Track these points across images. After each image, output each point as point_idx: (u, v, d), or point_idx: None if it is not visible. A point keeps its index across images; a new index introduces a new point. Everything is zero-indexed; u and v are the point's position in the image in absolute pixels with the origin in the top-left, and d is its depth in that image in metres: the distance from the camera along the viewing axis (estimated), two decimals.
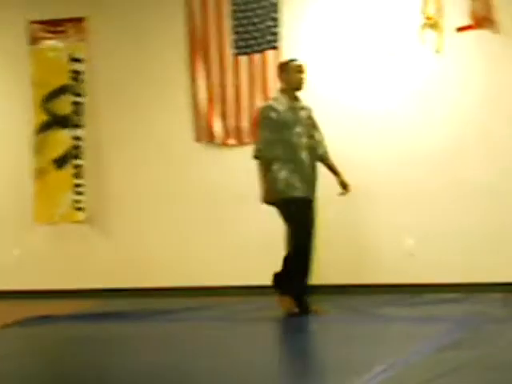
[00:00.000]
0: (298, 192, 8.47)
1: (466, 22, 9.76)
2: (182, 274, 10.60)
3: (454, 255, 9.89)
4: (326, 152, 8.76)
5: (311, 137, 8.65)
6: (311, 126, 8.71)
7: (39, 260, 11.14)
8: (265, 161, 8.48)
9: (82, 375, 6.79)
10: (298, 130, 8.52)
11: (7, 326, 9.00)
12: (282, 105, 8.54)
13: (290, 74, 8.58)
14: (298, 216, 8.46)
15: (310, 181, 8.57)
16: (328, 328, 8.59)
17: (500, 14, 9.68)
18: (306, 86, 8.61)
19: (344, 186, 8.74)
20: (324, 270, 9.61)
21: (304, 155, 8.50)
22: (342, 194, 8.78)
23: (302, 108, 8.68)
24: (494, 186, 9.82)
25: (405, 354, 6.81)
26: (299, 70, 8.55)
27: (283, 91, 8.61)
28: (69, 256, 11.06)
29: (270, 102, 8.71)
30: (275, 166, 8.45)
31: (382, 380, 5.96)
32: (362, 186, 9.73)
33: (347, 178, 9.02)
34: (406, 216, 10.08)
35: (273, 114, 8.48)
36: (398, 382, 5.99)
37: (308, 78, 8.90)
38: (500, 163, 9.83)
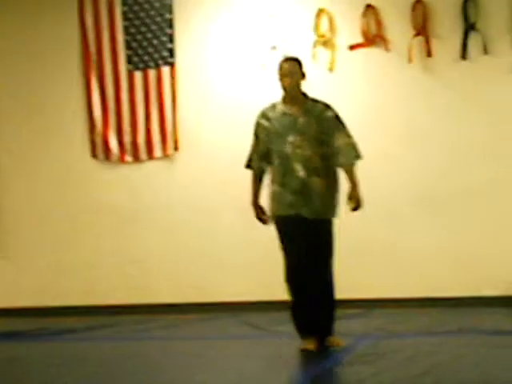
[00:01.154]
0: (284, 210, 7.21)
1: (358, 40, 9.98)
2: (83, 291, 10.48)
3: (355, 273, 9.81)
4: (345, 162, 7.13)
5: (323, 144, 7.13)
6: (321, 132, 7.16)
7: None
8: (252, 172, 7.43)
9: None
10: (292, 139, 7.14)
11: None
12: (274, 111, 7.33)
13: (279, 77, 7.30)
14: (283, 236, 7.24)
15: (305, 197, 7.13)
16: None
17: (391, 31, 9.88)
18: (293, 89, 7.15)
19: (350, 197, 7.13)
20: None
21: (298, 168, 7.10)
22: (350, 207, 7.18)
23: (306, 111, 7.21)
24: (387, 200, 9.85)
25: (304, 372, 6.99)
26: (281, 72, 7.26)
27: (283, 96, 7.35)
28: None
29: (264, 108, 7.46)
30: (270, 179, 7.33)
31: None
32: None
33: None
34: None
35: (263, 122, 7.34)
36: None
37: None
38: (396, 180, 9.89)
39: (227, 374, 6.94)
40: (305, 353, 7.66)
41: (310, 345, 7.23)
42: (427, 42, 9.76)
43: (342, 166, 7.17)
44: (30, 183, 10.78)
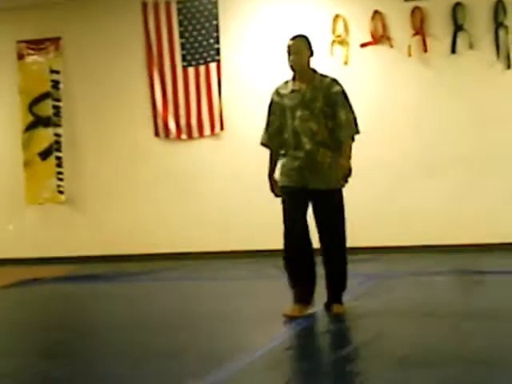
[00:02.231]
0: (291, 182, 6.22)
1: (368, 39, 9.94)
2: (146, 242, 10.58)
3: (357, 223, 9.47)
4: (345, 135, 6.17)
5: (329, 117, 6.17)
6: (328, 106, 6.17)
7: (29, 233, 11.07)
8: (268, 148, 6.42)
9: (65, 322, 7.05)
10: (299, 113, 6.15)
11: (5, 286, 9.03)
12: (286, 88, 6.32)
13: (287, 55, 6.31)
14: (285, 207, 6.30)
15: (312, 169, 6.17)
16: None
17: (394, 32, 9.83)
18: (299, 66, 6.16)
19: (340, 165, 6.13)
20: None
21: (305, 141, 6.13)
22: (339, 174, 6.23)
23: (314, 87, 6.21)
24: (391, 168, 9.87)
25: (323, 304, 6.74)
26: (288, 50, 6.25)
27: (293, 73, 6.36)
28: (53, 230, 11.04)
29: (277, 85, 6.50)
30: (282, 152, 6.29)
31: (310, 323, 6.22)
32: None
33: None
34: None
35: (276, 98, 6.33)
36: (319, 325, 6.24)
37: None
38: (397, 144, 9.86)
39: (257, 303, 7.10)
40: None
41: (294, 312, 6.17)
42: (423, 40, 9.71)
43: (342, 139, 6.17)
44: (106, 157, 10.82)
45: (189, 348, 5.57)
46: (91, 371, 5.18)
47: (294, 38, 6.33)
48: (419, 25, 9.74)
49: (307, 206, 6.25)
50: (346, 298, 6.84)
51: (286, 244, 6.27)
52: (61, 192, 10.94)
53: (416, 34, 9.76)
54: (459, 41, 9.67)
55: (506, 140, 9.60)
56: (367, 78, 10.04)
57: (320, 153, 6.13)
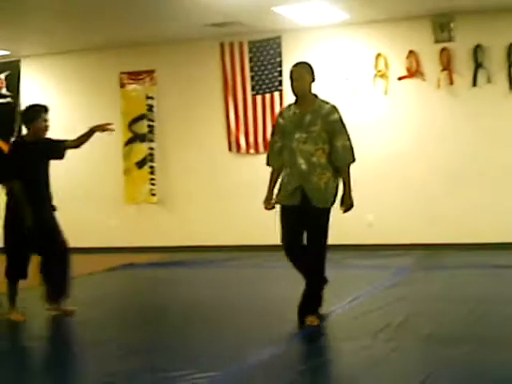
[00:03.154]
0: (286, 199, 5.64)
1: (404, 73, 9.93)
2: (224, 235, 10.67)
3: (397, 222, 9.94)
4: (341, 162, 5.61)
5: (326, 142, 5.56)
6: (326, 131, 5.56)
7: (127, 227, 11.17)
8: (271, 167, 5.86)
9: (160, 302, 7.18)
10: (298, 135, 5.54)
11: (108, 270, 9.26)
12: (289, 111, 5.71)
13: (290, 81, 5.76)
14: (281, 224, 5.71)
15: (307, 188, 5.56)
16: None
17: (426, 68, 9.82)
18: (301, 91, 5.60)
19: (342, 201, 5.66)
20: None
21: (301, 162, 5.53)
22: (341, 209, 5.68)
23: (313, 111, 5.59)
24: (423, 178, 9.87)
25: (366, 289, 7.07)
26: (290, 76, 5.72)
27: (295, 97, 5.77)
28: (146, 224, 11.11)
29: (283, 108, 6.04)
30: (283, 172, 5.73)
31: (352, 306, 6.38)
32: None
33: None
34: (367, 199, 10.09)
35: (280, 120, 5.74)
36: (362, 307, 6.29)
37: None
38: (430, 165, 9.84)
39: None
40: (363, 278, 7.68)
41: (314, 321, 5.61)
42: (450, 74, 9.66)
43: (339, 164, 5.60)
44: (189, 166, 10.86)
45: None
46: (176, 339, 5.46)
47: (296, 65, 5.81)
48: (446, 62, 9.69)
49: (303, 224, 5.61)
50: (390, 282, 7.02)
51: (286, 257, 5.73)
52: (153, 194, 11.01)
53: (444, 69, 9.71)
54: (479, 76, 9.60)
55: None
56: (404, 106, 10.00)
57: (316, 173, 5.54)
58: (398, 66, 9.99)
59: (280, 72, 10.40)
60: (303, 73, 5.63)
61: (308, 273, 5.72)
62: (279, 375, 4.48)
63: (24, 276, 6.34)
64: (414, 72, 9.93)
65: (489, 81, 9.62)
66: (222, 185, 10.82)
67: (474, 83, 9.69)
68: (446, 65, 9.76)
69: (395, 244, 9.85)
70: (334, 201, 5.66)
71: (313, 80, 5.71)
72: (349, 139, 5.64)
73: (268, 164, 5.85)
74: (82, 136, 6.45)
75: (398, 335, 5.25)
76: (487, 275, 7.81)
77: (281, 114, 5.86)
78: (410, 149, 9.98)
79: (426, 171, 9.93)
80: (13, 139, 6.28)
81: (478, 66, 9.66)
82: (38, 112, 6.28)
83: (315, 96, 5.74)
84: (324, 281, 5.82)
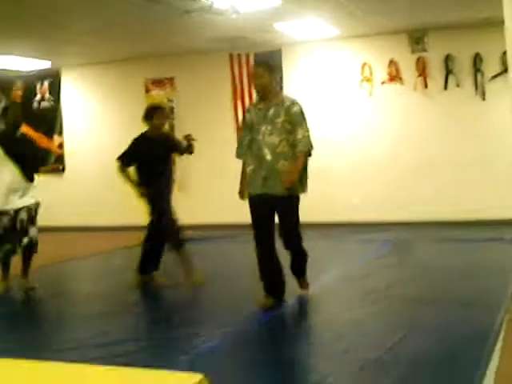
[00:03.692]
0: (255, 189, 5.24)
1: (386, 78, 9.97)
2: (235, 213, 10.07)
3: (380, 204, 9.90)
4: (299, 151, 5.17)
5: (289, 133, 5.18)
6: (289, 122, 5.19)
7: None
8: (241, 159, 5.45)
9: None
10: (263, 128, 5.19)
11: (133, 246, 8.73)
12: (254, 107, 5.41)
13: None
14: (252, 213, 5.27)
15: (272, 177, 5.18)
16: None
17: (404, 74, 9.84)
18: (260, 87, 5.24)
19: (285, 178, 5.16)
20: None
21: (266, 152, 5.16)
22: (283, 185, 5.16)
23: (276, 105, 5.24)
24: (401, 166, 9.84)
25: (357, 259, 7.15)
26: (252, 76, 5.57)
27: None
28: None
29: (250, 104, 5.41)
30: (251, 165, 5.29)
31: (344, 273, 6.38)
32: (327, 168, 9.85)
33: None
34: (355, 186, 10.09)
35: (247, 115, 5.44)
36: (353, 274, 6.35)
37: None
38: (407, 154, 9.80)
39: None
40: (354, 249, 7.69)
41: (267, 303, 5.24)
42: (425, 79, 9.71)
43: (296, 153, 5.19)
44: (204, 160, 10.25)
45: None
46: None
47: (255, 65, 5.73)
48: (422, 69, 9.75)
49: (273, 212, 5.25)
50: (377, 254, 6.99)
51: (256, 246, 5.28)
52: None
53: (420, 75, 9.77)
54: (450, 81, 9.66)
55: (483, 148, 9.47)
56: (386, 106, 10.04)
57: (280, 163, 5.17)
58: (381, 73, 10.06)
59: (281, 79, 10.36)
60: (260, 72, 5.30)
61: (292, 252, 5.39)
62: (280, 332, 4.70)
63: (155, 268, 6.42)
64: (394, 77, 10.00)
65: (457, 85, 9.68)
66: (232, 177, 10.67)
67: (445, 87, 9.75)
68: (422, 71, 9.83)
69: (379, 222, 9.84)
70: (302, 188, 5.28)
71: (273, 77, 5.37)
72: (308, 130, 5.26)
73: (238, 157, 5.45)
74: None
75: (384, 297, 5.34)
76: (462, 248, 7.82)
77: (248, 110, 5.53)
78: (393, 142, 10.06)
79: (403, 160, 9.95)
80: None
81: (448, 72, 9.72)
82: (154, 111, 6.39)
83: (278, 92, 5.36)
84: (305, 255, 5.48)
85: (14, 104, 10.26)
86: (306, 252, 5.50)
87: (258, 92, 5.40)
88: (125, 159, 6.28)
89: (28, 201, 6.29)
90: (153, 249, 6.36)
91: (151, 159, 6.23)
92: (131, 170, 6.34)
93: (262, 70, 5.32)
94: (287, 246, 5.36)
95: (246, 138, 5.37)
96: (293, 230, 5.33)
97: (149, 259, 6.39)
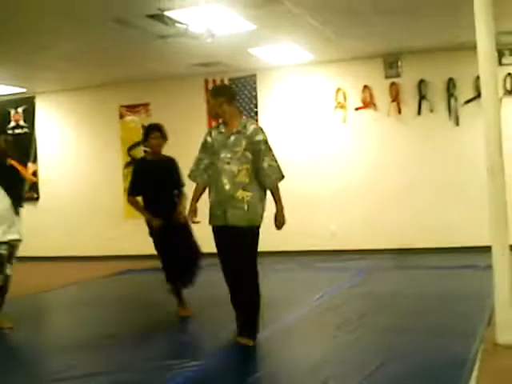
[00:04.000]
0: (215, 220, 4.98)
1: (360, 104, 9.98)
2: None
3: (355, 234, 9.87)
4: (270, 183, 4.92)
5: (250, 161, 4.88)
6: (251, 151, 4.88)
7: (127, 238, 10.69)
8: (194, 182, 5.15)
9: (154, 300, 7.02)
10: (223, 155, 4.91)
11: (108, 276, 9.16)
12: (216, 130, 5.06)
13: None
14: (216, 245, 5.03)
15: (231, 208, 4.88)
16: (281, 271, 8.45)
17: (378, 99, 9.90)
18: (210, 113, 5.13)
19: (276, 218, 5.00)
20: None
21: (225, 182, 4.88)
22: (276, 226, 5.02)
23: (238, 133, 4.93)
24: (376, 192, 9.82)
25: (330, 288, 7.05)
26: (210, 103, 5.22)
27: None
28: (142, 236, 11.04)
29: (211, 127, 5.27)
30: (212, 192, 5.02)
31: (318, 303, 6.33)
32: (302, 195, 9.92)
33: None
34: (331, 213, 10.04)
35: (208, 139, 5.06)
36: (327, 304, 6.26)
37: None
38: (382, 180, 9.80)
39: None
40: (327, 279, 7.55)
41: (246, 343, 4.88)
42: (398, 105, 9.74)
43: (267, 186, 4.94)
44: None
45: None
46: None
47: (211, 93, 5.39)
48: (395, 94, 9.78)
49: (236, 243, 4.91)
50: (350, 283, 6.96)
51: (225, 280, 5.03)
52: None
53: (393, 101, 9.80)
54: (423, 106, 9.67)
55: (457, 173, 9.51)
56: (360, 132, 10.05)
57: (238, 193, 4.86)
58: (355, 98, 10.08)
59: (256, 104, 10.50)
60: (208, 97, 4.88)
61: (244, 293, 4.92)
62: (255, 365, 4.68)
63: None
64: (368, 103, 10.01)
65: (431, 110, 9.72)
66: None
67: (419, 112, 9.78)
68: (395, 97, 9.86)
69: (354, 249, 9.82)
70: (259, 219, 4.93)
71: (220, 101, 5.01)
72: (275, 159, 4.96)
73: (190, 178, 5.17)
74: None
75: (358, 327, 5.32)
76: (436, 275, 7.81)
77: (210, 133, 5.14)
78: (368, 168, 10.07)
79: (381, 186, 9.97)
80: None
81: (421, 97, 9.76)
82: (149, 130, 6.22)
83: (241, 116, 5.16)
84: (258, 297, 4.97)
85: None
86: (260, 294, 4.96)
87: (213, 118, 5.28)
88: (134, 190, 6.10)
89: (12, 236, 5.90)
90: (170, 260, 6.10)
91: (154, 185, 6.00)
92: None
93: (209, 95, 5.13)
94: (240, 282, 4.92)
95: (204, 161, 5.09)
96: (250, 263, 4.91)
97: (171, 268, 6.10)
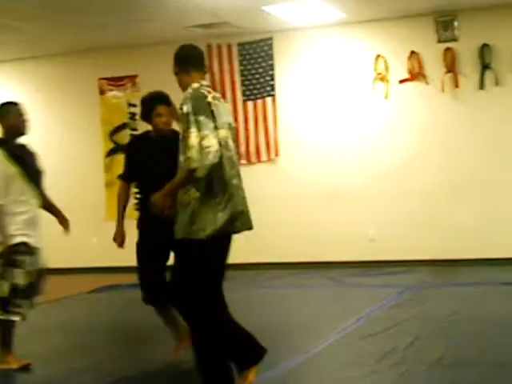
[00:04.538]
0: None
1: (406, 75, 10.00)
2: None
3: (399, 240, 9.90)
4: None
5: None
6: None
7: (110, 245, 11.15)
8: None
9: (139, 321, 7.20)
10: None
11: (88, 292, 9.33)
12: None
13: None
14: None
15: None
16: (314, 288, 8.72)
17: (429, 70, 9.89)
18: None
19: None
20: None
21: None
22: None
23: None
24: (427, 190, 9.86)
25: (370, 309, 7.10)
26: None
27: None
28: (129, 242, 11.13)
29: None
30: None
31: (356, 327, 6.37)
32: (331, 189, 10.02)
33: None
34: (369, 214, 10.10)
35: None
36: (365, 330, 6.28)
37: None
38: (434, 175, 9.84)
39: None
40: (365, 297, 7.76)
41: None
42: (455, 77, 9.74)
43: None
44: None
45: None
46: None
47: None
48: (451, 63, 9.78)
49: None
50: (389, 302, 7.01)
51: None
52: (137, 209, 10.89)
53: (448, 71, 9.80)
54: (486, 78, 9.66)
55: None
56: (406, 112, 10.07)
57: (180, 193, 4.38)
58: (399, 68, 10.08)
59: (272, 76, 10.55)
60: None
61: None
62: None
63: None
64: (416, 74, 10.03)
65: (497, 83, 9.70)
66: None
67: (481, 86, 9.77)
68: (451, 66, 9.86)
69: (399, 260, 9.85)
70: (202, 229, 4.29)
71: (179, 70, 4.71)
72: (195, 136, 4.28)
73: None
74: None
75: (405, 359, 5.31)
76: (498, 293, 7.87)
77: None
78: (413, 158, 10.07)
79: (430, 182, 10.00)
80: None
81: (484, 67, 9.74)
82: (151, 104, 5.76)
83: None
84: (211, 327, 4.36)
85: None
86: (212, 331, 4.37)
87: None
88: (126, 175, 6.02)
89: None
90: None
91: (154, 168, 5.61)
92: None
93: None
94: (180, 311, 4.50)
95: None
96: (185, 290, 4.34)
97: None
